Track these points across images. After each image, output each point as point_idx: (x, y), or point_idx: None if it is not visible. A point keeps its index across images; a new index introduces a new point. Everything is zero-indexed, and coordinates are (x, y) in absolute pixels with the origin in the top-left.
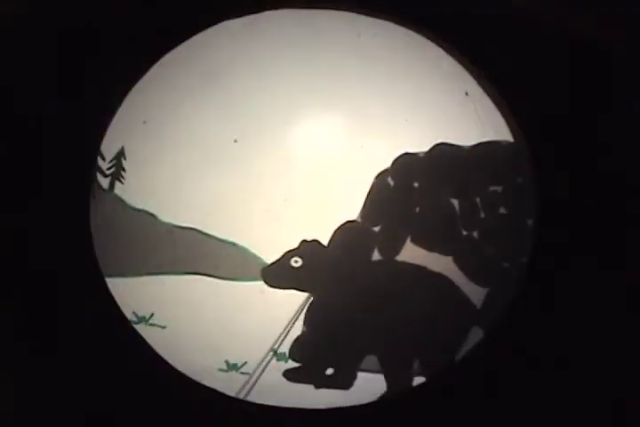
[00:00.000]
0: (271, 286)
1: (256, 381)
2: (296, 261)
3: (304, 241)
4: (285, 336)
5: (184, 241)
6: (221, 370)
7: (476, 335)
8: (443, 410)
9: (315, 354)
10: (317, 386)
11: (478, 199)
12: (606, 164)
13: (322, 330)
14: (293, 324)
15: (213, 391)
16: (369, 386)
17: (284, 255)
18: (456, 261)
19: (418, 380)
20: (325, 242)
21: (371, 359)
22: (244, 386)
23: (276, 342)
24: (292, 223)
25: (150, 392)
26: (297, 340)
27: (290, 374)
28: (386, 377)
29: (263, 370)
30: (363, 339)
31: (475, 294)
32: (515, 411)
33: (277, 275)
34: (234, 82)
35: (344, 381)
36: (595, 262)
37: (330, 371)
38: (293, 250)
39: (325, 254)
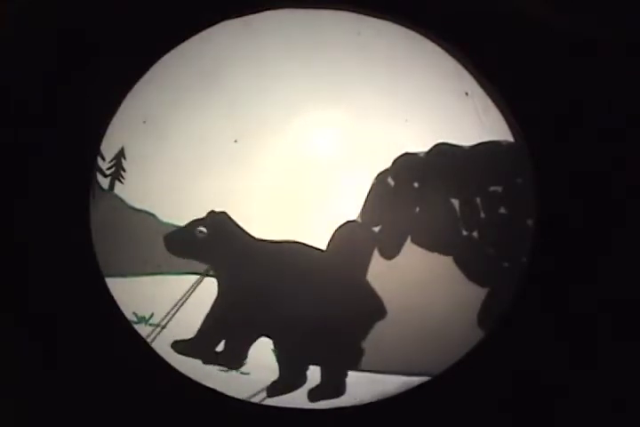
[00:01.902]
0: (172, 253)
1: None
2: (201, 232)
3: (212, 212)
4: (177, 310)
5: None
6: (221, 370)
7: (476, 335)
8: (443, 410)
9: (206, 329)
10: (205, 362)
11: (478, 199)
12: (606, 163)
13: (216, 306)
14: (186, 299)
15: (213, 392)
16: (369, 386)
17: (189, 223)
18: (456, 261)
19: (418, 380)
20: (325, 242)
21: (370, 359)
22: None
23: (167, 315)
24: (292, 223)
25: (150, 392)
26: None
27: (178, 346)
28: (279, 365)
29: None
30: (257, 320)
31: (475, 294)
32: (514, 411)
33: (180, 243)
34: (234, 82)
35: (233, 360)
36: (595, 262)
37: (220, 348)
38: (200, 219)
39: (231, 228)
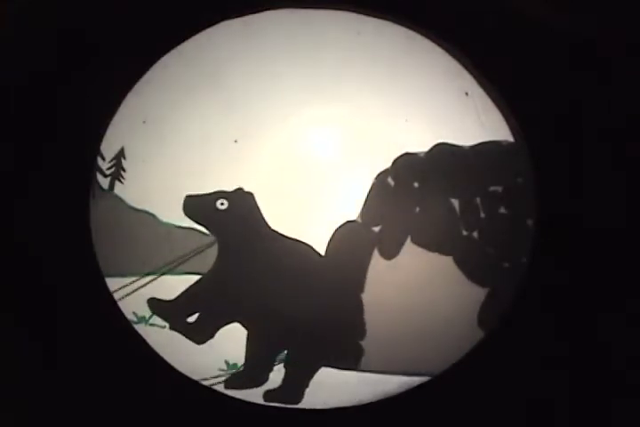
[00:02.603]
0: (185, 213)
1: None
2: (222, 204)
3: (240, 189)
4: (176, 265)
5: (184, 241)
6: (221, 370)
7: (476, 335)
8: (443, 410)
9: (186, 297)
10: (171, 327)
11: (478, 199)
12: (606, 164)
13: (206, 278)
14: (185, 261)
15: (213, 392)
16: (369, 386)
17: (214, 193)
18: (456, 261)
19: (418, 380)
20: (324, 243)
21: (370, 359)
22: None
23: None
24: (293, 223)
25: (150, 392)
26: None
27: (153, 303)
28: (246, 358)
29: None
30: (238, 305)
31: (475, 294)
32: (515, 411)
33: (198, 207)
34: (234, 82)
35: (198, 335)
36: (595, 262)
37: (192, 319)
38: (225, 192)
39: (252, 210)
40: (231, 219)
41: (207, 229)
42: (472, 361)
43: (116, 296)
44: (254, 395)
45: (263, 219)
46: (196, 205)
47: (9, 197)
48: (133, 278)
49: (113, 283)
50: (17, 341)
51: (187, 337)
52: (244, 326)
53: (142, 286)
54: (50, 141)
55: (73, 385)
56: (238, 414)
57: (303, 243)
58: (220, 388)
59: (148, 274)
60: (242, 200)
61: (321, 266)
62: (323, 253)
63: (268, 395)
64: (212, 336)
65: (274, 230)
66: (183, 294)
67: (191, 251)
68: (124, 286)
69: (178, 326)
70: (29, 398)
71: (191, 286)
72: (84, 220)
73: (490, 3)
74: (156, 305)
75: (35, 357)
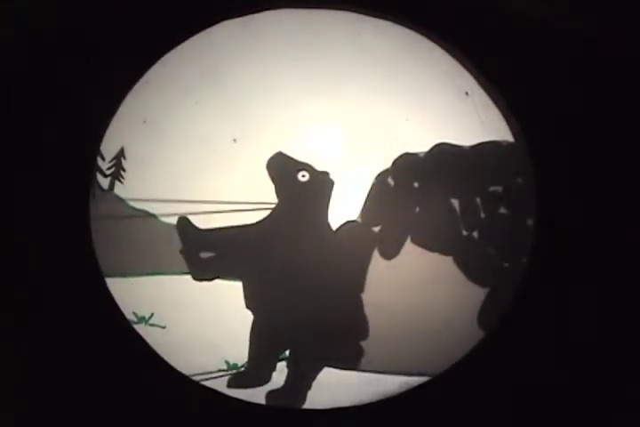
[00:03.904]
0: (268, 168)
1: None
2: (304, 176)
3: (325, 172)
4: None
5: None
6: (221, 370)
7: (475, 335)
8: (443, 410)
9: (210, 233)
10: (181, 252)
11: (478, 199)
12: (606, 163)
13: (240, 233)
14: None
15: (213, 392)
16: (369, 386)
17: (303, 162)
18: (456, 261)
19: (418, 380)
20: None
21: (370, 359)
22: None
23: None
24: None
25: (150, 392)
26: None
27: (182, 225)
28: (249, 357)
29: None
30: (247, 263)
31: (475, 294)
32: (514, 411)
33: (282, 168)
34: (234, 82)
35: (202, 271)
36: (595, 262)
37: (204, 255)
38: (311, 167)
39: (325, 194)
40: (303, 193)
41: (276, 190)
42: (472, 361)
43: (116, 296)
44: (256, 395)
45: (327, 209)
46: (281, 165)
47: (9, 197)
48: (133, 278)
49: (113, 283)
50: (17, 341)
51: (189, 267)
52: (243, 289)
53: (142, 286)
54: (50, 141)
55: (73, 385)
56: (238, 414)
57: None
58: (222, 387)
59: (148, 274)
60: (322, 182)
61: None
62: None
63: (271, 396)
64: (210, 279)
65: (329, 224)
66: (215, 230)
67: (253, 203)
68: (124, 286)
69: (189, 253)
70: (29, 398)
71: (225, 229)
72: (83, 220)
73: (490, 3)
74: (183, 226)
75: (35, 357)
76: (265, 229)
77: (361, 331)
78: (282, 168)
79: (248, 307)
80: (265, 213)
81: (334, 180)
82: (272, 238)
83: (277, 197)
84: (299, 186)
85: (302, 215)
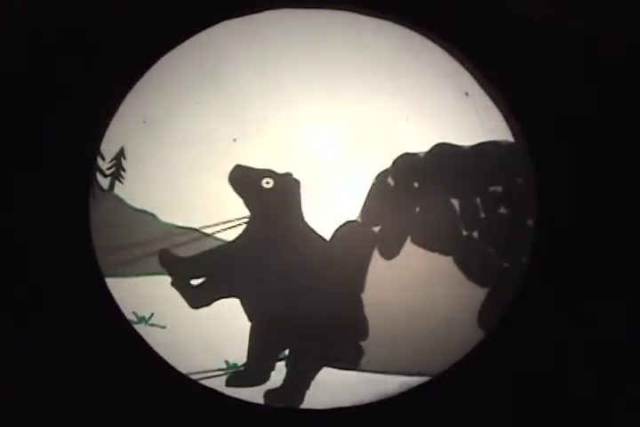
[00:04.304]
0: (230, 182)
1: None
2: (268, 182)
3: (290, 174)
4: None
5: (184, 241)
6: (221, 370)
7: (476, 335)
8: (443, 410)
9: (193, 258)
10: (172, 284)
11: (478, 199)
12: (606, 164)
13: (222, 249)
14: (221, 231)
15: (213, 392)
16: (369, 386)
17: (265, 169)
18: (456, 261)
19: (418, 380)
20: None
21: (370, 359)
22: None
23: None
24: None
25: (150, 392)
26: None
27: (163, 257)
28: (248, 356)
29: None
30: (247, 283)
31: (475, 294)
32: (515, 411)
33: (244, 179)
34: (233, 81)
35: (198, 299)
36: (595, 262)
37: (196, 282)
38: (274, 172)
39: (293, 197)
40: (271, 200)
41: (245, 202)
42: (472, 361)
43: (116, 296)
44: (255, 395)
45: (300, 209)
46: (243, 177)
47: (9, 197)
48: (133, 278)
49: (113, 283)
50: (17, 341)
51: (183, 297)
52: (242, 303)
53: (142, 286)
54: (50, 141)
55: (73, 385)
56: (237, 414)
57: (324, 239)
58: (221, 386)
59: (148, 274)
60: (288, 185)
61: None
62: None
63: (269, 395)
64: (208, 304)
65: (306, 224)
66: (198, 255)
67: (224, 222)
68: (124, 286)
69: (179, 284)
70: (29, 398)
71: (208, 251)
72: (84, 220)
73: (490, 3)
74: (166, 258)
75: (35, 357)
76: (246, 243)
77: (361, 331)
78: (244, 180)
79: (251, 320)
80: (242, 228)
81: (334, 180)
82: (256, 249)
83: (248, 208)
84: (266, 193)
85: (278, 220)
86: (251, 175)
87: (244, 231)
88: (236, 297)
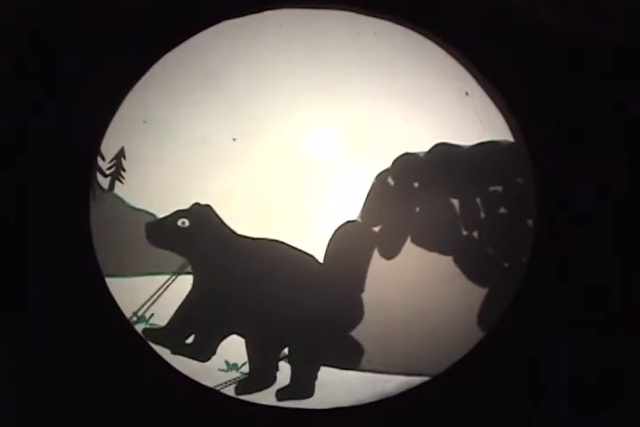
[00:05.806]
0: (150, 242)
1: None
2: (183, 222)
3: (196, 204)
4: (148, 308)
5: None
6: (221, 370)
7: (475, 335)
8: (443, 410)
9: (177, 320)
10: (173, 352)
11: (478, 199)
12: (606, 164)
13: (190, 299)
14: (164, 290)
15: (213, 392)
16: (369, 386)
17: (172, 213)
18: (456, 261)
19: (418, 380)
20: (325, 242)
21: (370, 359)
22: None
23: (143, 305)
24: (293, 223)
25: (150, 392)
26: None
27: (149, 333)
28: (249, 363)
29: None
30: (228, 316)
31: (475, 294)
32: (515, 411)
33: (161, 232)
34: (233, 81)
35: (200, 354)
36: (595, 262)
37: (190, 340)
38: (183, 210)
39: (213, 221)
40: (196, 234)
41: (176, 251)
42: (472, 361)
43: (116, 296)
44: (267, 395)
45: (227, 227)
46: (159, 230)
47: (9, 197)
48: (133, 278)
49: (113, 283)
50: (17, 341)
51: (190, 358)
52: (242, 335)
53: (142, 286)
54: (50, 141)
55: (73, 385)
56: (238, 415)
57: (275, 240)
58: (222, 387)
59: (148, 274)
60: (201, 214)
61: (301, 259)
62: (322, 253)
63: (280, 393)
64: (214, 353)
65: (241, 236)
66: (173, 318)
67: (161, 285)
68: (124, 286)
69: (179, 349)
70: (29, 398)
71: (178, 309)
72: (84, 220)
73: (490, 3)
74: (151, 334)
75: (35, 357)
76: (204, 282)
77: (361, 331)
78: (160, 232)
79: (245, 326)
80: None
81: (334, 180)
82: (218, 283)
83: (183, 255)
84: (189, 232)
85: (215, 248)
86: (164, 224)
87: (195, 275)
88: (235, 333)
